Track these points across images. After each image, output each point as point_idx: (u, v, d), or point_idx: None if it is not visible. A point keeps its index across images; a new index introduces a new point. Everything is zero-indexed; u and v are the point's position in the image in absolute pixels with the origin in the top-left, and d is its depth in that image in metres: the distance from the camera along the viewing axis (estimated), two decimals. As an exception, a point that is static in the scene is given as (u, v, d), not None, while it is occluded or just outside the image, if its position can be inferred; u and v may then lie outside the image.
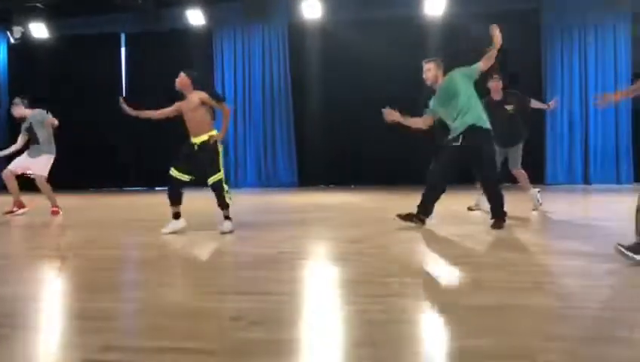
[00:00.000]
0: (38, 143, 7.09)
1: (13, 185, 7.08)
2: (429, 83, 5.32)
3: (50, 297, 3.08)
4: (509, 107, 6.48)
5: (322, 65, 12.16)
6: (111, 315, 2.60)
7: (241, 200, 9.19)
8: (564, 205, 7.65)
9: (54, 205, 7.22)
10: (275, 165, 12.56)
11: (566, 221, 5.70)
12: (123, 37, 13.14)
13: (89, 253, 4.35)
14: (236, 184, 12.50)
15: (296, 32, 12.28)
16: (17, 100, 7.17)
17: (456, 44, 11.22)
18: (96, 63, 12.80)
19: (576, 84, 11.60)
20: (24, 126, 7.15)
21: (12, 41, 13.57)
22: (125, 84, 13.20)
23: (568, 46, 11.62)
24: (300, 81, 12.36)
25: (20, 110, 7.13)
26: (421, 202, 5.21)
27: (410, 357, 2.02)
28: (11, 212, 7.06)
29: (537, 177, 11.50)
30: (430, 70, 5.28)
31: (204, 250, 4.47)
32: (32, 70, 12.89)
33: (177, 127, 5.41)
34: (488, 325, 2.33)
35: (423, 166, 11.62)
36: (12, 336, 2.29)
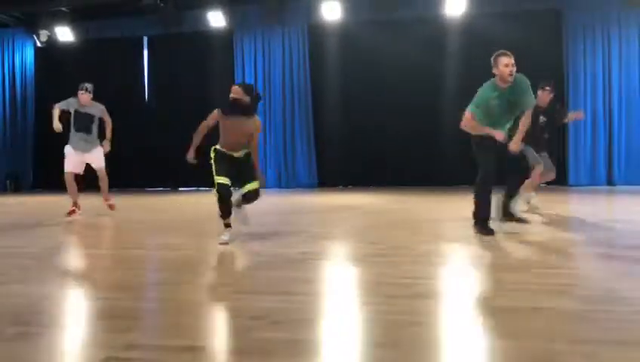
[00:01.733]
0: (90, 134, 6.94)
1: (74, 186, 7.00)
2: (511, 79, 4.84)
3: (76, 296, 3.14)
4: (543, 118, 6.49)
5: (342, 66, 12.17)
6: (135, 314, 2.64)
7: (261, 202, 9.23)
8: (587, 207, 7.53)
9: (107, 198, 7.24)
10: (295, 166, 12.61)
11: (590, 223, 5.62)
12: (145, 40, 13.31)
13: (111, 253, 4.42)
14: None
15: (315, 33, 12.30)
16: (91, 87, 6.99)
17: (477, 45, 11.12)
18: (119, 66, 13.01)
19: (600, 84, 11.42)
20: (85, 110, 6.87)
21: (39, 44, 13.84)
22: (147, 86, 13.37)
23: (591, 45, 11.44)
24: (319, 82, 12.38)
25: (90, 97, 6.95)
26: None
27: (431, 359, 2.02)
28: (73, 212, 6.95)
29: (559, 179, 11.35)
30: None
31: (225, 251, 4.51)
32: (57, 73, 13.11)
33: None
34: (511, 327, 2.31)
35: (443, 168, 11.70)
36: (39, 334, 2.35)
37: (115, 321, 2.50)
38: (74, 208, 6.95)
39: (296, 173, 12.60)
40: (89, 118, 6.94)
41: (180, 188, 12.90)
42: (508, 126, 4.99)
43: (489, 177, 4.86)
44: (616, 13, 11.19)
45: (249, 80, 12.65)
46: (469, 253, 4.11)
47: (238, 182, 4.78)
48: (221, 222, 4.79)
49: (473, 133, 4.89)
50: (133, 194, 11.61)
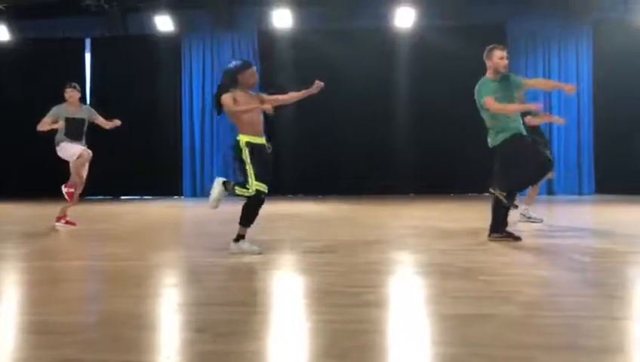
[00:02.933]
0: (82, 141, 6.57)
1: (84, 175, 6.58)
2: (505, 70, 4.97)
3: (6, 310, 2.97)
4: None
5: (292, 74, 12.16)
6: (70, 329, 2.51)
7: (208, 210, 9.07)
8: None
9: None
10: (243, 174, 12.51)
11: (534, 231, 5.81)
12: (88, 42, 12.87)
13: (50, 265, 4.22)
14: (203, 193, 12.35)
15: (266, 40, 12.26)
16: (78, 86, 6.66)
17: (426, 56, 11.41)
18: (59, 68, 12.49)
19: (540, 97, 11.88)
20: (76, 115, 6.49)
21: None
22: (90, 89, 12.90)
23: (532, 59, 11.92)
24: (269, 89, 12.32)
25: (78, 96, 6.62)
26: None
27: (377, 368, 2.01)
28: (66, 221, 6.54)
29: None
30: None
31: (169, 261, 4.39)
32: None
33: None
34: (456, 334, 2.34)
35: (394, 176, 11.87)
36: (-36, 351, 2.19)
37: (48, 336, 2.38)
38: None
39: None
40: (81, 123, 6.55)
41: (122, 197, 12.50)
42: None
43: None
44: (557, 29, 11.71)
45: (197, 86, 12.47)
46: (416, 261, 4.16)
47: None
48: (241, 229, 4.43)
49: (508, 112, 4.84)
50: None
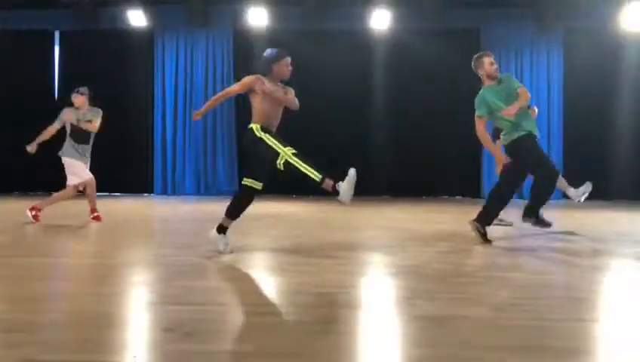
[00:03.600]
0: (89, 145, 6.52)
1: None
2: (498, 74, 5.15)
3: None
4: None
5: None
6: (32, 327, 2.43)
7: (178, 208, 8.97)
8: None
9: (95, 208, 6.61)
10: (216, 173, 12.34)
11: (505, 234, 5.88)
12: (57, 34, 12.53)
13: (12, 261, 4.09)
14: (174, 191, 12.19)
15: (241, 39, 12.15)
16: (85, 90, 6.55)
17: (402, 58, 11.48)
18: (26, 60, 12.11)
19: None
20: (80, 117, 6.38)
21: None
22: (58, 83, 12.56)
23: (505, 65, 12.08)
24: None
25: (86, 100, 6.48)
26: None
27: (348, 369, 2.00)
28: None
29: (473, 191, 11.90)
30: None
31: (138, 259, 4.31)
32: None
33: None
34: (425, 335, 2.35)
35: (366, 177, 11.85)
36: None
37: (9, 335, 2.29)
38: (40, 214, 6.36)
39: (217, 180, 12.33)
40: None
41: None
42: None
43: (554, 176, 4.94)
44: (529, 36, 11.92)
45: (169, 82, 12.26)
46: (388, 262, 4.17)
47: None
48: (224, 220, 4.32)
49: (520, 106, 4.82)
50: (40, 197, 10.90)
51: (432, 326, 2.46)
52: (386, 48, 11.67)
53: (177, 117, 12.27)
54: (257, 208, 8.96)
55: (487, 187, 11.99)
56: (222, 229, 4.30)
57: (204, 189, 12.22)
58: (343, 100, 11.72)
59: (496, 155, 5.20)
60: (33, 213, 6.26)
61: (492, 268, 3.99)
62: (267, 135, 4.14)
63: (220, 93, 4.47)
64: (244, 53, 12.13)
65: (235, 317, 2.66)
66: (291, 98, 4.37)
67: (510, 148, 5.02)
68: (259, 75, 4.20)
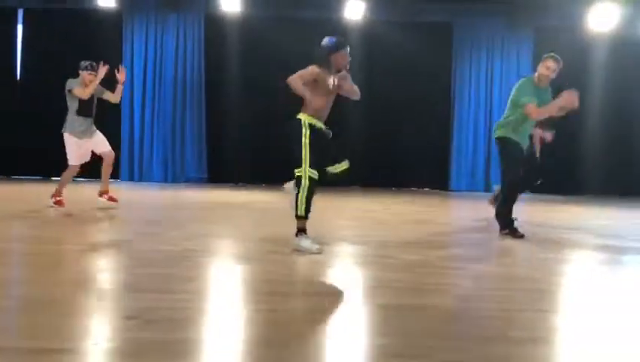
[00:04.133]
0: (92, 117, 6.29)
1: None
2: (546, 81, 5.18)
3: None
4: None
5: (239, 60, 11.93)
6: (-13, 313, 2.35)
7: (146, 195, 8.82)
8: (468, 211, 8.02)
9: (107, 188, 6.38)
10: (184, 160, 12.13)
11: (470, 226, 5.96)
12: (20, 12, 12.07)
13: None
14: (141, 178, 11.95)
15: (213, 24, 11.94)
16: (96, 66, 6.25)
17: (375, 49, 11.47)
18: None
19: (482, 96, 12.23)
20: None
21: None
22: (21, 63, 12.11)
23: (476, 60, 12.22)
24: (214, 75, 12.03)
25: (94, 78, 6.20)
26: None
27: (310, 357, 1.99)
28: (60, 203, 6.15)
29: (442, 184, 12.03)
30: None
31: (98, 246, 4.21)
32: None
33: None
34: (391, 324, 2.35)
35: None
36: None
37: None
38: (62, 198, 6.15)
39: (185, 167, 12.13)
40: (92, 99, 6.21)
41: (53, 178, 11.88)
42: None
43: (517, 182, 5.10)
44: (500, 32, 12.06)
45: (138, 66, 11.93)
46: (356, 252, 4.17)
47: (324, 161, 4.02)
48: (300, 223, 4.00)
49: (548, 115, 5.09)
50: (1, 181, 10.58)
51: (397, 316, 2.46)
52: (359, 39, 11.63)
53: (146, 102, 11.99)
54: (230, 197, 8.92)
55: (455, 179, 12.14)
56: (301, 232, 4.02)
57: (172, 177, 12.02)
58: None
59: (555, 107, 5.06)
60: (54, 199, 6.12)
61: (458, 260, 4.04)
62: (307, 141, 3.98)
63: (299, 89, 4.12)
64: (215, 39, 11.94)
65: (200, 305, 2.62)
66: (349, 87, 4.27)
67: (499, 141, 5.28)
68: (313, 67, 4.12)
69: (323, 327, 2.37)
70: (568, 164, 11.09)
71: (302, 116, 4.06)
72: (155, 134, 12.02)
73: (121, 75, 6.43)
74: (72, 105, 6.12)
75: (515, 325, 2.40)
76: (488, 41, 12.15)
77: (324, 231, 5.19)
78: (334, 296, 2.91)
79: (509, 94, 5.37)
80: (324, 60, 4.10)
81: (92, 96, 6.19)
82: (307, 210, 3.95)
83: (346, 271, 3.59)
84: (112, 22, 11.78)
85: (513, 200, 5.09)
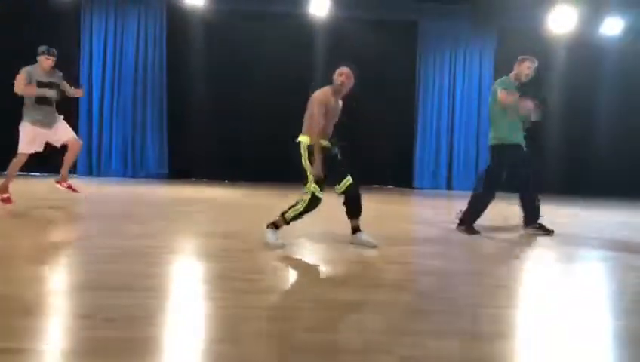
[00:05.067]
0: (52, 106, 6.02)
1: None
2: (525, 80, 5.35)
3: None
4: None
5: (202, 53, 11.76)
6: None
7: (104, 191, 8.61)
8: (431, 209, 8.11)
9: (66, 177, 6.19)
10: (144, 154, 11.87)
11: (430, 222, 6.03)
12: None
13: None
14: (99, 172, 11.66)
15: (175, 17, 11.72)
16: (55, 52, 5.97)
17: (340, 46, 11.48)
18: None
19: (445, 95, 12.40)
20: (49, 82, 5.93)
21: None
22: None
23: (440, 59, 12.39)
24: (176, 68, 11.83)
25: (53, 63, 5.95)
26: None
27: (271, 354, 1.97)
28: (8, 200, 5.85)
29: (406, 181, 12.17)
30: None
31: (58, 243, 4.09)
32: None
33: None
34: (351, 321, 2.36)
35: (298, 164, 11.84)
36: None
37: None
38: (9, 194, 5.86)
39: (145, 162, 11.87)
40: (54, 88, 5.91)
41: (3, 173, 11.45)
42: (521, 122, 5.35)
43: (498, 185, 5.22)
44: (464, 33, 12.25)
45: (97, 60, 11.61)
46: (316, 248, 4.17)
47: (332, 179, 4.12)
48: (279, 221, 4.10)
49: (509, 102, 5.17)
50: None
51: (355, 311, 2.48)
52: (324, 35, 11.64)
53: (104, 96, 11.69)
54: (187, 192, 8.79)
55: (418, 176, 12.28)
56: (273, 226, 4.12)
57: (132, 171, 11.77)
58: (280, 84, 11.59)
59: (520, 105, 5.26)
60: (4, 195, 5.84)
61: (418, 256, 4.08)
62: (310, 165, 4.07)
63: (317, 126, 4.14)
64: (177, 33, 11.74)
65: (159, 302, 2.57)
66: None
67: (495, 149, 5.34)
68: (326, 89, 4.25)
69: (283, 324, 2.35)
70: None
71: (302, 139, 4.17)
72: (115, 128, 11.73)
73: (77, 92, 6.26)
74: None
75: (474, 320, 2.44)
76: (452, 41, 12.34)
77: (285, 227, 5.16)
78: (294, 292, 2.90)
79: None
80: (337, 86, 4.27)
81: (53, 84, 5.94)
82: (294, 219, 4.08)
83: (304, 267, 3.59)
84: (69, 14, 11.39)
85: (487, 203, 5.25)
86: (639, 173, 11.77)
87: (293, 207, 4.08)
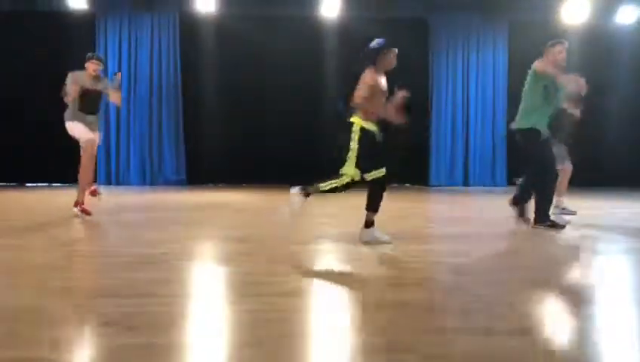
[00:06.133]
0: (98, 114, 6.05)
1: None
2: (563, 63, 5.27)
3: None
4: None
5: (215, 59, 11.85)
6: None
7: (123, 198, 8.69)
8: (447, 206, 8.05)
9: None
10: (162, 162, 11.98)
11: (446, 219, 5.98)
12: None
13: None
14: (118, 181, 11.79)
15: (188, 23, 11.84)
16: (103, 58, 6.07)
17: (352, 47, 11.45)
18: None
19: (459, 92, 12.31)
20: (95, 89, 5.93)
21: None
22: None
23: (453, 55, 12.31)
24: (191, 74, 11.94)
25: (101, 69, 6.00)
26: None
27: (296, 356, 1.96)
28: (85, 211, 5.90)
29: (422, 179, 12.10)
30: None
31: (71, 252, 4.12)
32: None
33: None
34: (374, 321, 2.34)
35: (319, 166, 11.85)
36: None
37: None
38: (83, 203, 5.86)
39: (163, 169, 11.99)
40: (99, 96, 5.92)
41: (27, 184, 11.69)
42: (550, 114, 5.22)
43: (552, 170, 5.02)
44: (476, 27, 12.16)
45: (112, 67, 11.76)
46: (334, 249, 4.15)
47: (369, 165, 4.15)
48: (368, 215, 4.23)
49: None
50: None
51: (379, 312, 2.45)
52: (336, 36, 11.65)
53: (121, 105, 11.83)
54: (205, 197, 8.84)
55: (434, 174, 12.21)
56: (370, 225, 4.24)
57: (151, 179, 11.88)
58: (293, 87, 11.63)
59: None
60: (78, 208, 5.87)
61: (437, 254, 4.04)
62: (358, 147, 4.11)
63: (364, 104, 4.20)
64: (191, 39, 11.85)
65: (181, 308, 2.57)
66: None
67: (524, 133, 5.15)
68: (372, 72, 4.26)
69: (307, 326, 2.34)
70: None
71: (355, 120, 4.16)
72: (132, 137, 11.87)
73: (113, 96, 6.16)
74: (74, 101, 5.82)
75: (498, 316, 2.40)
76: (464, 36, 12.26)
77: (305, 228, 5.16)
78: (316, 294, 2.89)
79: (524, 83, 5.33)
80: (374, 62, 4.29)
81: (95, 91, 5.89)
82: (324, 192, 4.15)
83: (326, 268, 3.57)
84: (84, 24, 11.61)
85: (552, 190, 5.07)
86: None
87: (327, 182, 4.15)
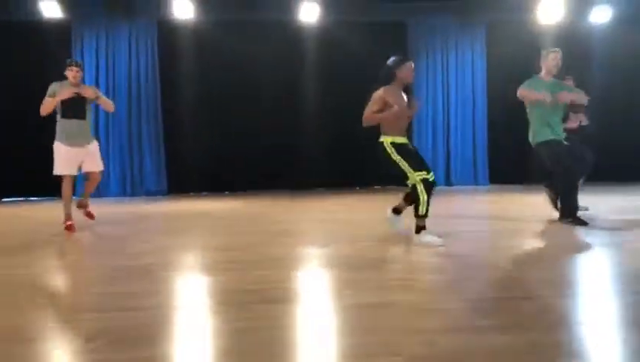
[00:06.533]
0: (85, 120, 5.89)
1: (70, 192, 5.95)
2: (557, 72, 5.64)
3: None
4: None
5: (195, 66, 11.75)
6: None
7: (105, 210, 8.59)
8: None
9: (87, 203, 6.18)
10: (142, 172, 11.84)
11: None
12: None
13: None
14: (98, 193, 11.61)
15: (166, 31, 11.73)
16: (81, 63, 5.91)
17: (332, 51, 11.49)
18: None
19: (439, 93, 12.41)
20: (77, 93, 5.76)
21: None
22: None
23: (432, 57, 12.40)
24: (170, 83, 11.82)
25: (81, 74, 5.86)
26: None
27: (281, 366, 1.95)
28: (71, 227, 5.80)
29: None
30: None
31: (53, 267, 4.06)
32: None
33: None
34: (358, 324, 2.34)
35: (301, 171, 11.87)
36: None
37: None
38: (71, 222, 5.79)
39: (144, 180, 11.84)
40: (82, 100, 5.75)
41: (3, 199, 11.44)
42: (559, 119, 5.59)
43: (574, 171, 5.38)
44: (454, 30, 12.27)
45: (89, 78, 11.58)
46: (319, 254, 4.15)
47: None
48: (420, 221, 4.36)
49: (529, 99, 5.54)
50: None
51: (363, 315, 2.45)
52: (315, 41, 11.66)
53: (99, 114, 11.68)
54: (187, 206, 8.77)
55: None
56: (421, 229, 4.37)
57: (131, 190, 11.73)
58: (274, 93, 11.61)
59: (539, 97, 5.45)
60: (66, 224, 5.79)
61: (418, 253, 4.06)
62: (400, 157, 4.35)
63: (376, 119, 4.51)
64: (169, 47, 11.75)
65: (165, 320, 2.54)
66: (415, 107, 4.60)
67: (540, 147, 5.56)
68: (386, 87, 4.37)
69: (293, 332, 2.33)
70: (520, 156, 11.27)
71: (383, 139, 4.43)
72: (111, 148, 11.69)
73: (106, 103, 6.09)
74: (57, 109, 5.75)
75: (481, 314, 2.42)
76: (442, 38, 12.35)
77: (288, 234, 5.15)
78: (301, 300, 2.88)
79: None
80: (390, 78, 4.41)
81: (76, 94, 5.73)
82: (428, 209, 4.32)
83: (310, 274, 3.56)
84: (59, 33, 11.38)
85: (575, 188, 5.38)
86: (628, 159, 11.77)
87: (417, 205, 4.30)
